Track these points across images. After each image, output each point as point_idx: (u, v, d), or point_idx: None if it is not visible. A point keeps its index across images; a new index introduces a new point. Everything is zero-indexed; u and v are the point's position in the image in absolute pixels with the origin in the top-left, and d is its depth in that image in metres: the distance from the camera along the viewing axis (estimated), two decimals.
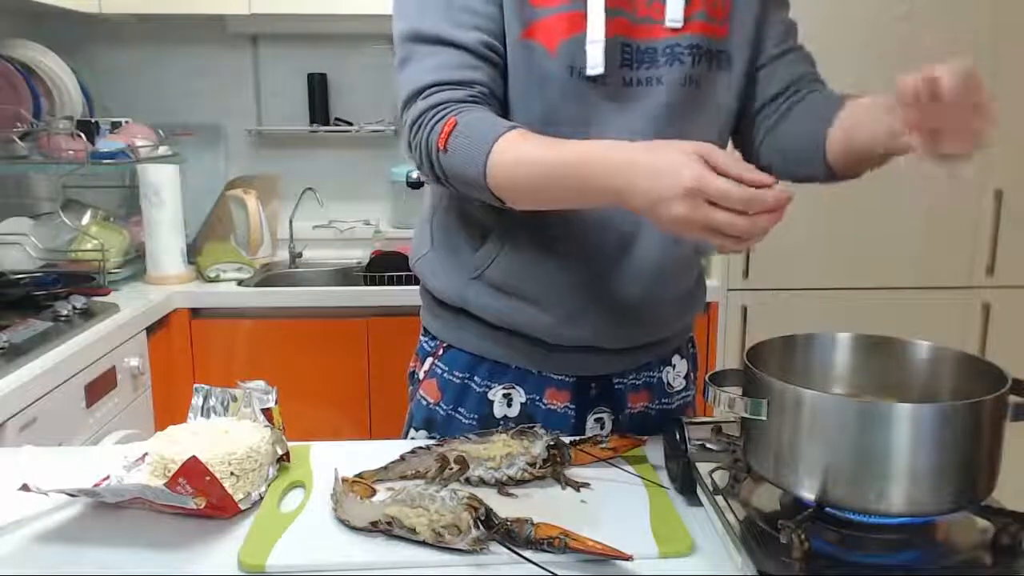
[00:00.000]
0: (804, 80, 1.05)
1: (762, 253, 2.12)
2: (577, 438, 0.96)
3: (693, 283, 1.12)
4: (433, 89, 0.92)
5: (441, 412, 1.09)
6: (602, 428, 1.09)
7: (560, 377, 1.06)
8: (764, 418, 0.75)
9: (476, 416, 1.07)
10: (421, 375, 1.12)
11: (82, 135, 2.06)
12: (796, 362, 0.87)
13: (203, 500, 0.80)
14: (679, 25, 0.95)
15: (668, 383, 1.13)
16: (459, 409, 1.08)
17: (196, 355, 2.12)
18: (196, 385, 1.02)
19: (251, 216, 2.40)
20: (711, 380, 0.80)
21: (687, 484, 0.87)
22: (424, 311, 1.14)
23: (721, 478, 0.84)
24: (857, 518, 0.74)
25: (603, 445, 0.95)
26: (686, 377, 1.16)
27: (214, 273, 2.20)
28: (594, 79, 0.94)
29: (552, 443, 0.91)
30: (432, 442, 0.94)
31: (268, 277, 2.38)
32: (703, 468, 0.86)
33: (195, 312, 2.12)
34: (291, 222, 2.48)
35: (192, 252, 2.26)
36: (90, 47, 2.49)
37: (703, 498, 0.84)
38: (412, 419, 1.13)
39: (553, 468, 0.91)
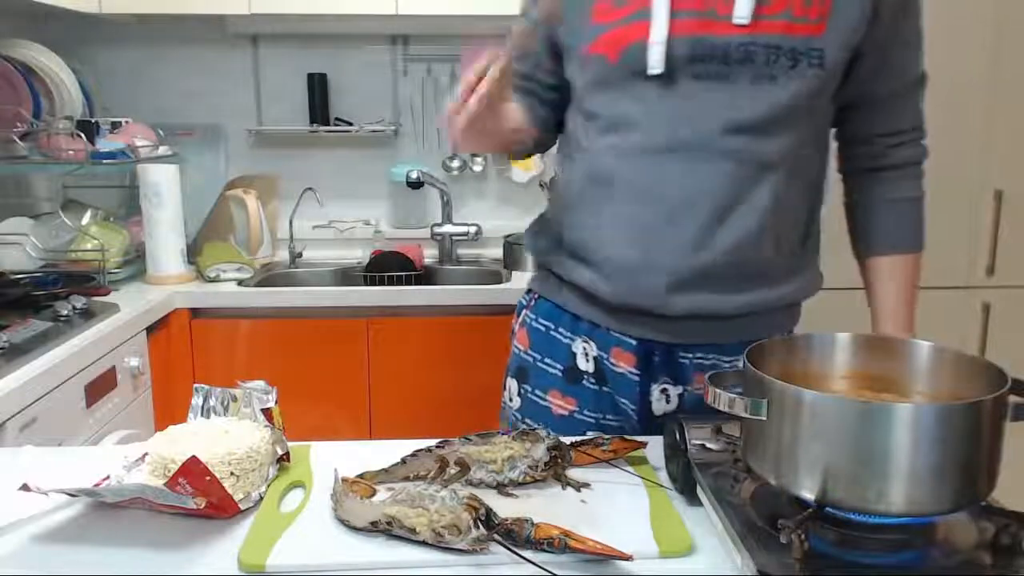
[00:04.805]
0: (901, 138, 1.14)
1: None
2: (578, 439, 0.96)
3: (770, 273, 1.09)
4: None
5: (529, 359, 1.19)
6: (667, 402, 1.12)
7: (623, 337, 1.11)
8: (764, 418, 0.75)
9: (561, 367, 1.16)
10: (516, 327, 1.24)
11: (82, 135, 2.06)
12: (796, 362, 0.87)
13: (203, 500, 0.80)
14: (745, 22, 0.99)
15: None
16: (546, 360, 1.17)
17: (196, 355, 2.12)
18: (196, 385, 1.02)
19: (251, 216, 2.40)
20: (711, 380, 0.80)
21: (687, 484, 0.87)
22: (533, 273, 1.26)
23: (721, 478, 0.84)
24: (857, 518, 0.74)
25: (604, 447, 0.95)
26: None
27: (214, 273, 2.20)
28: (658, 78, 1.01)
29: (553, 445, 0.91)
30: (433, 444, 0.94)
31: (268, 277, 2.38)
32: (703, 468, 0.86)
33: (195, 312, 2.12)
34: (291, 222, 2.48)
35: (192, 252, 2.26)
36: (90, 47, 2.49)
37: (703, 498, 0.84)
38: (507, 370, 1.24)
39: (554, 470, 0.91)
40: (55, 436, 1.51)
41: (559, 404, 1.16)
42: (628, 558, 0.72)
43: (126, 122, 2.29)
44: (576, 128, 1.13)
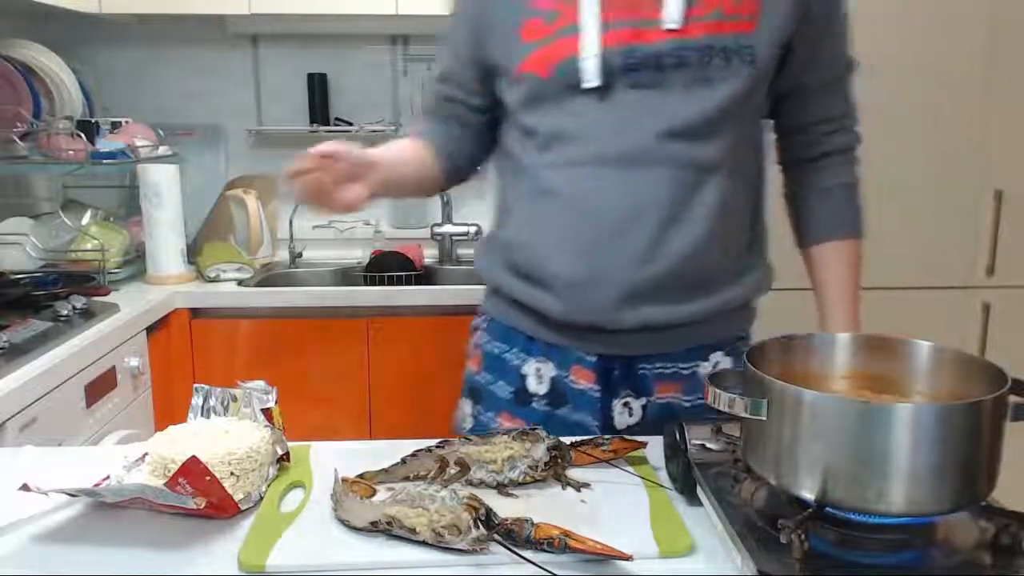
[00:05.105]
0: (833, 125, 1.15)
1: None
2: (578, 439, 0.96)
3: (708, 278, 1.09)
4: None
5: (482, 381, 1.18)
6: (630, 415, 1.11)
7: (583, 354, 1.10)
8: (764, 418, 0.75)
9: (512, 389, 1.14)
10: (471, 349, 1.22)
11: (82, 135, 2.06)
12: (796, 362, 0.87)
13: (203, 500, 0.80)
14: (677, 26, 0.98)
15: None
16: (499, 382, 1.16)
17: (196, 355, 2.12)
18: (196, 385, 1.02)
19: (251, 216, 2.40)
20: (711, 380, 0.80)
21: (687, 484, 0.87)
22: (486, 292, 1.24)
23: (721, 478, 0.84)
24: (857, 518, 0.74)
25: (604, 447, 0.95)
26: None
27: (214, 273, 2.20)
28: (594, 90, 1.01)
29: (553, 445, 0.91)
30: (433, 444, 0.94)
31: (268, 277, 2.38)
32: (703, 468, 0.86)
33: (195, 312, 2.12)
34: (291, 222, 2.48)
35: (192, 252, 2.26)
36: (90, 47, 2.49)
37: (703, 498, 0.84)
38: (462, 390, 1.23)
39: (554, 470, 0.91)
40: (55, 436, 1.51)
41: (509, 427, 1.13)
42: (628, 558, 0.72)
43: (126, 122, 2.29)
44: (513, 145, 1.12)
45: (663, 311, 1.06)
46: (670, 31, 0.99)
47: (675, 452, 0.89)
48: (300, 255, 2.51)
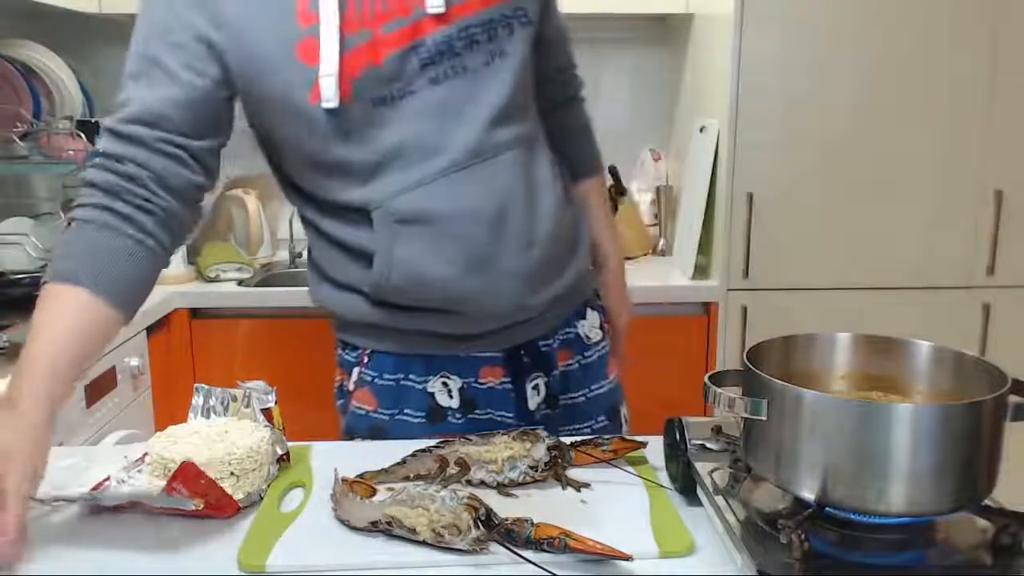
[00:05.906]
0: (570, 71, 1.26)
1: (762, 253, 2.12)
2: (578, 439, 0.96)
3: (568, 236, 1.13)
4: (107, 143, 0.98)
5: (384, 418, 1.10)
6: (539, 394, 1.12)
7: (489, 353, 1.10)
8: (764, 418, 0.75)
9: (423, 412, 1.09)
10: (351, 386, 1.15)
11: (82, 135, 2.06)
12: (796, 362, 0.87)
13: (201, 502, 0.80)
14: (441, 10, 0.95)
15: (585, 335, 1.18)
16: (405, 411, 1.10)
17: (196, 355, 2.12)
18: (196, 385, 1.02)
19: (251, 216, 2.40)
20: (711, 380, 0.80)
21: (687, 484, 0.87)
22: (337, 326, 1.17)
23: (721, 478, 0.84)
24: (857, 518, 0.74)
25: (604, 447, 0.95)
26: (601, 328, 1.21)
27: (214, 273, 2.20)
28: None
29: (553, 445, 0.91)
30: (433, 444, 0.94)
31: (268, 277, 2.38)
32: (703, 468, 0.86)
33: (195, 312, 2.12)
34: (291, 222, 2.48)
35: (192, 252, 2.26)
36: (90, 47, 2.49)
37: (703, 498, 0.84)
38: (353, 430, 1.14)
39: (554, 470, 0.91)
40: (55, 436, 1.51)
41: None
42: (628, 558, 0.72)
43: None
44: (331, 188, 1.03)
45: (554, 287, 1.09)
46: (443, 17, 0.95)
47: (675, 452, 0.89)
48: (300, 255, 2.50)
